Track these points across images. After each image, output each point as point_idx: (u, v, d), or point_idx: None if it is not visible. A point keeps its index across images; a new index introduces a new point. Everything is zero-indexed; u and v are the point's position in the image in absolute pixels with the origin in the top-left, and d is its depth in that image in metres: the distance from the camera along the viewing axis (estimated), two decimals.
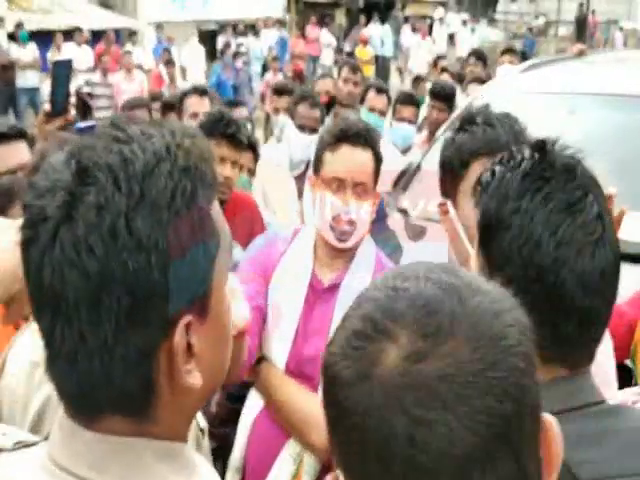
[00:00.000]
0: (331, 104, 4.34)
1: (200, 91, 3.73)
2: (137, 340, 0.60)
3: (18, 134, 2.17)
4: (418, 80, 6.84)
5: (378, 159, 1.78)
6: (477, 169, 1.37)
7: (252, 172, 3.07)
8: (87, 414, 0.64)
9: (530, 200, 0.92)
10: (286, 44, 15.25)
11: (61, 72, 2.45)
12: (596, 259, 0.91)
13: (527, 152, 0.96)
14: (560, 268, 0.89)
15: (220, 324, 0.68)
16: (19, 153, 2.15)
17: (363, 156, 1.74)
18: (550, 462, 0.56)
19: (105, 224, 0.59)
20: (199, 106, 3.51)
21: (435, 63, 6.10)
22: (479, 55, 5.42)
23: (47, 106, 2.37)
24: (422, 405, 0.51)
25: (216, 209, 0.67)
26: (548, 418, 0.57)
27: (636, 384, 1.59)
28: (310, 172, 1.87)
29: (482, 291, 0.56)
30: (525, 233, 0.90)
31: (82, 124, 2.65)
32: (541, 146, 0.96)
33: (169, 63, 9.93)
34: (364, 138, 1.74)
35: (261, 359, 1.77)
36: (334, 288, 1.77)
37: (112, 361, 0.60)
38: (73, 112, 2.71)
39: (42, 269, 0.60)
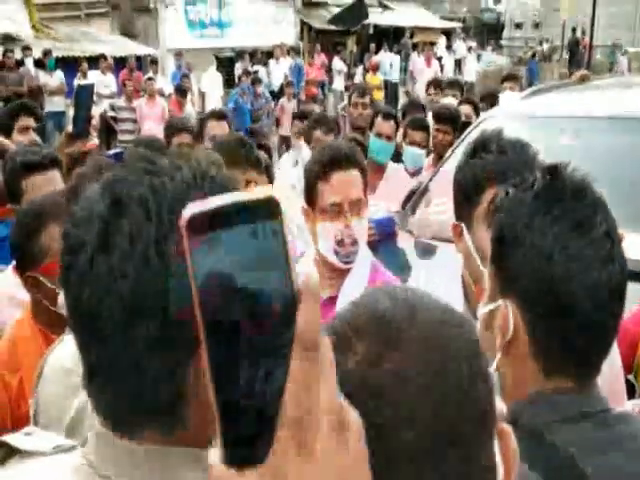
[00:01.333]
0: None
1: (218, 115, 3.85)
2: (167, 358, 0.63)
3: (52, 163, 2.23)
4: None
5: (364, 171, 1.88)
6: (491, 195, 1.42)
7: None
8: (122, 425, 0.66)
9: (542, 219, 0.96)
10: (301, 70, 15.60)
11: (83, 96, 2.51)
12: (605, 274, 0.93)
13: (539, 175, 1.01)
14: (570, 281, 0.92)
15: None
16: (53, 181, 2.23)
17: (354, 175, 1.83)
18: (507, 471, 0.58)
19: (137, 251, 0.63)
20: (218, 129, 3.63)
21: (435, 85, 6.20)
22: (437, 84, 5.44)
23: (69, 128, 2.44)
24: (376, 406, 0.53)
25: None
26: (505, 428, 0.58)
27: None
28: (302, 202, 1.92)
29: (432, 306, 0.60)
30: (537, 248, 0.94)
31: (111, 152, 2.75)
32: (553, 170, 1.01)
33: (179, 92, 10.09)
34: (351, 158, 1.83)
35: None
36: (333, 300, 1.80)
37: (145, 378, 0.63)
38: (95, 136, 2.75)
39: (80, 293, 0.64)
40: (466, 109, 5.17)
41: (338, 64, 17.02)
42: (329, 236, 1.83)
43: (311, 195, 1.86)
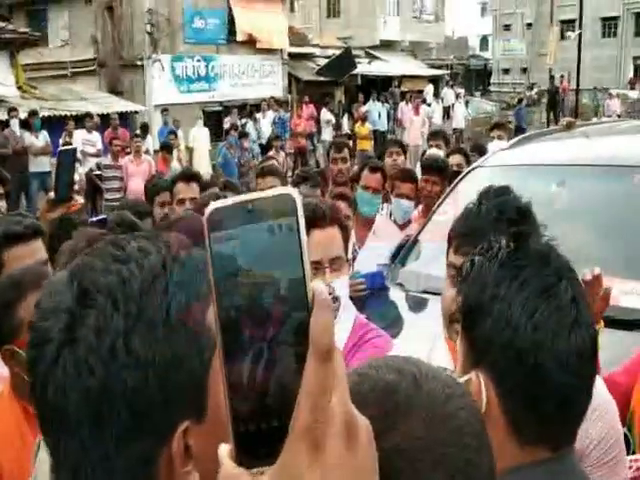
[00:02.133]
0: None
1: (187, 177, 3.80)
2: (137, 451, 0.63)
3: (34, 233, 2.17)
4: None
5: (343, 229, 1.88)
6: (452, 257, 1.51)
7: None
8: None
9: (507, 287, 0.96)
10: (285, 123, 15.70)
11: (66, 160, 2.46)
12: (572, 341, 0.94)
13: (504, 242, 1.02)
14: (538, 350, 0.93)
15: (217, 422, 0.67)
16: (35, 252, 2.16)
17: (332, 233, 1.84)
18: None
19: (104, 345, 0.62)
20: (186, 192, 3.61)
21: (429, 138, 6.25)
22: (400, 144, 5.52)
23: (51, 194, 2.38)
24: (381, 477, 0.54)
25: (212, 314, 0.72)
26: None
27: (633, 452, 1.61)
28: None
29: (436, 377, 0.62)
30: (504, 318, 0.94)
31: (94, 218, 2.66)
32: (517, 236, 1.03)
33: (165, 149, 10.08)
34: (329, 216, 1.84)
35: None
36: None
37: (114, 471, 0.63)
38: (80, 199, 2.69)
39: (46, 387, 0.63)
40: (457, 159, 5.15)
41: (326, 115, 17.16)
42: None
43: None
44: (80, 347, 0.62)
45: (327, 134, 16.61)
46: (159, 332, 0.64)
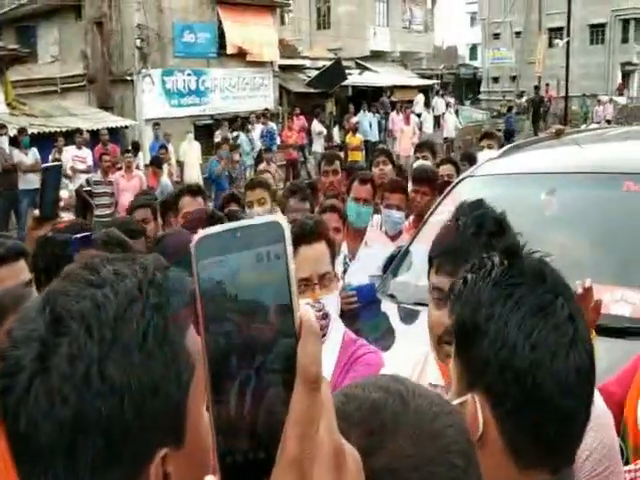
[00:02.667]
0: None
1: (193, 191, 3.82)
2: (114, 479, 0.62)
3: (17, 254, 2.13)
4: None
5: (331, 244, 1.87)
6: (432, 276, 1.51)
7: None
8: None
9: (502, 306, 0.94)
10: (273, 135, 15.69)
11: (51, 177, 2.43)
12: (570, 359, 0.92)
13: (496, 259, 1.00)
14: (536, 370, 0.91)
15: (198, 448, 0.67)
16: (18, 273, 2.12)
17: (320, 248, 1.84)
18: None
19: (78, 373, 0.60)
20: (191, 206, 3.58)
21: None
22: (388, 154, 5.56)
23: (36, 211, 2.36)
24: None
25: (192, 337, 0.68)
26: None
27: (627, 462, 1.59)
28: None
29: (423, 395, 0.62)
30: (501, 338, 0.92)
31: (79, 235, 2.61)
32: (510, 252, 1.01)
33: (155, 163, 10.06)
34: (317, 232, 1.84)
35: None
36: None
37: None
38: (66, 216, 2.67)
39: (18, 418, 0.61)
40: (447, 169, 5.16)
41: (317, 127, 17.20)
42: None
43: None
44: (53, 376, 0.60)
45: (318, 146, 16.64)
46: (135, 357, 0.62)
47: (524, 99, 25.27)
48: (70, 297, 0.64)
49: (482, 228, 1.48)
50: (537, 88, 24.20)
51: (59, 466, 0.61)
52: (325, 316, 1.80)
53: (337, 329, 1.88)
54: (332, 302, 1.84)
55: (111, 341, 0.62)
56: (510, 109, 22.14)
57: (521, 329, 0.92)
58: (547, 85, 25.72)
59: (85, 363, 0.61)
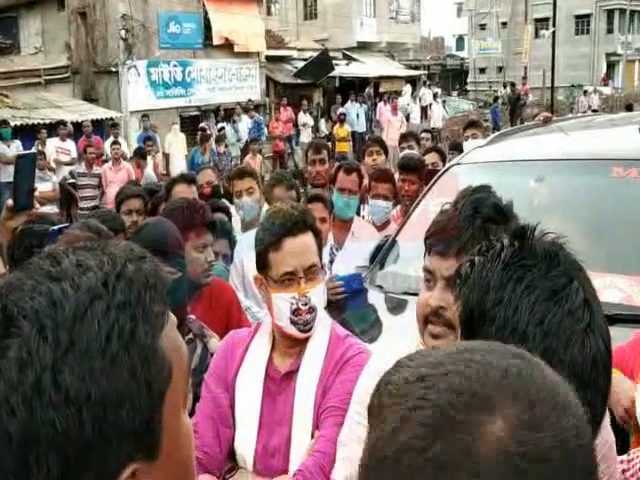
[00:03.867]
0: (215, 194, 4.39)
1: (187, 179, 3.82)
2: None
3: None
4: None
5: (317, 235, 1.80)
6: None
7: (228, 258, 3.09)
8: None
9: (512, 290, 0.88)
10: (260, 126, 15.60)
11: (25, 166, 2.31)
12: (586, 348, 0.87)
13: (506, 241, 0.95)
14: (549, 360, 0.85)
15: (176, 456, 0.62)
16: None
17: (306, 240, 1.75)
18: None
19: (28, 381, 0.54)
20: (187, 193, 3.55)
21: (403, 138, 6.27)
22: (381, 143, 5.48)
23: (10, 202, 2.24)
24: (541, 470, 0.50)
25: (167, 336, 0.61)
26: None
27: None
28: (254, 271, 1.85)
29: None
30: (510, 325, 0.87)
31: (55, 227, 2.44)
32: (520, 233, 0.95)
33: (139, 155, 10.01)
34: (302, 223, 1.76)
35: (232, 469, 1.76)
36: (291, 375, 1.76)
37: None
38: (47, 208, 2.58)
39: None
40: (432, 157, 5.15)
41: (303, 118, 17.12)
42: (284, 306, 1.74)
43: (263, 264, 1.77)
44: (0, 384, 0.54)
45: (305, 137, 16.56)
46: (95, 364, 0.55)
47: (508, 89, 25.17)
48: (24, 292, 0.57)
49: (478, 212, 1.43)
50: (513, 85, 23.96)
51: None
52: (311, 310, 1.73)
53: (324, 324, 1.82)
54: (318, 295, 1.77)
55: (68, 345, 0.55)
56: (496, 99, 22.17)
57: (532, 315, 0.86)
58: (524, 79, 25.48)
59: (36, 369, 0.54)
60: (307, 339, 1.77)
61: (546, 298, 0.87)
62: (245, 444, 1.72)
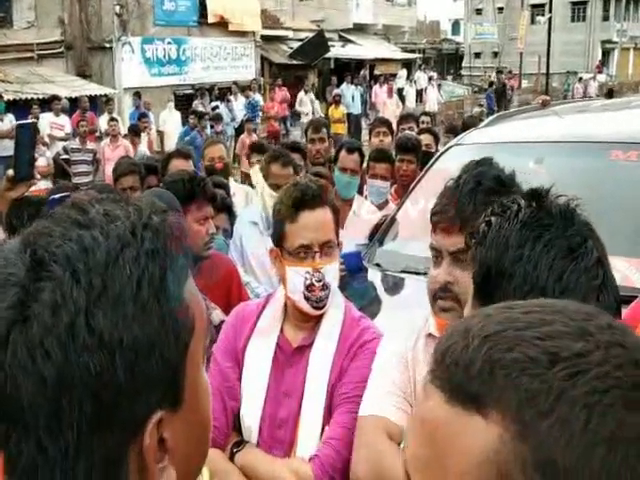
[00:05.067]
0: (225, 170, 4.40)
1: (184, 154, 3.84)
2: (103, 446, 0.55)
3: None
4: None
5: (335, 212, 1.77)
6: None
7: (228, 233, 3.10)
8: None
9: (532, 248, 0.91)
10: (255, 107, 15.52)
11: (25, 136, 2.27)
12: (600, 304, 0.89)
13: (522, 202, 0.97)
14: None
15: (197, 409, 0.63)
16: None
17: (323, 215, 1.72)
18: None
19: (62, 324, 0.54)
20: (184, 168, 3.52)
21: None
22: (388, 124, 5.49)
23: (10, 172, 2.22)
24: None
25: (190, 289, 0.62)
26: None
27: None
28: (270, 244, 1.83)
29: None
30: (530, 281, 0.89)
31: (56, 195, 2.44)
32: (536, 195, 0.98)
33: (133, 132, 9.99)
34: (319, 197, 1.72)
35: (240, 442, 1.74)
36: (304, 349, 1.75)
37: (76, 471, 0.55)
38: (39, 179, 2.56)
39: None
40: (427, 139, 5.20)
41: (304, 97, 17.03)
42: (298, 281, 1.71)
43: (279, 237, 1.75)
44: (33, 326, 0.53)
45: (305, 117, 16.49)
46: (128, 309, 0.55)
47: (503, 75, 25.00)
48: (54, 238, 0.56)
49: (480, 185, 1.44)
50: (500, 73, 23.55)
51: (42, 429, 0.54)
52: (325, 287, 1.69)
53: (338, 302, 1.79)
54: (332, 272, 1.72)
55: (100, 289, 0.54)
56: (491, 84, 22.12)
57: (552, 271, 0.89)
58: (510, 73, 24.89)
59: (71, 312, 0.53)
60: (321, 315, 1.75)
61: (563, 256, 0.91)
62: (251, 413, 1.73)
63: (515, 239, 0.92)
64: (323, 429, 1.68)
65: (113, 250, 0.56)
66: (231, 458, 1.70)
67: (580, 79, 24.66)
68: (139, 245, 0.57)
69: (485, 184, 1.44)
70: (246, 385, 1.75)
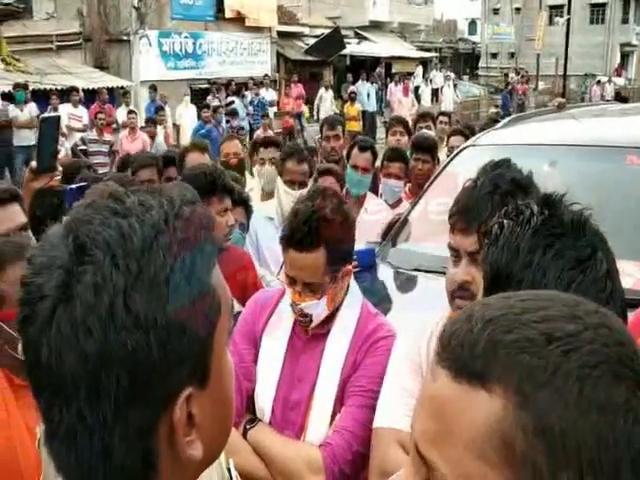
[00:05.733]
0: (240, 165, 4.41)
1: (200, 147, 3.84)
2: (137, 417, 0.60)
3: (11, 197, 2.16)
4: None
5: (330, 251, 1.69)
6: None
7: (244, 226, 3.12)
8: None
9: (542, 255, 0.92)
10: (265, 105, 15.48)
11: (48, 128, 2.34)
12: None
13: (535, 207, 0.99)
14: None
15: (222, 388, 0.67)
16: (13, 216, 2.14)
17: (309, 259, 1.68)
18: None
19: (103, 304, 0.58)
20: (201, 161, 3.54)
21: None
22: (405, 124, 5.45)
23: (34, 163, 2.29)
24: None
25: (217, 275, 0.67)
26: None
27: None
28: (267, 242, 1.86)
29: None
30: (538, 288, 0.89)
31: (73, 185, 2.49)
32: (550, 201, 0.99)
33: (150, 122, 10.06)
34: (309, 241, 1.67)
35: (253, 420, 1.79)
36: (319, 337, 1.79)
37: (111, 439, 0.60)
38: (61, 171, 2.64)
39: (40, 349, 0.59)
40: (458, 140, 5.11)
41: (324, 94, 17.03)
42: (288, 299, 1.80)
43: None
44: (76, 306, 0.58)
45: (323, 112, 16.48)
46: (161, 292, 0.60)
47: (520, 76, 24.81)
48: (94, 225, 0.61)
49: (497, 188, 1.45)
50: (506, 76, 23.10)
51: (82, 400, 0.59)
52: (304, 315, 1.74)
53: (355, 301, 1.81)
54: (313, 309, 1.73)
55: (137, 273, 0.59)
56: (507, 85, 22.02)
57: (560, 280, 0.91)
58: (522, 77, 24.24)
59: (110, 294, 0.58)
60: (337, 308, 1.79)
61: (572, 266, 0.92)
62: (265, 394, 1.78)
63: (526, 245, 0.94)
64: (333, 416, 1.71)
65: (148, 237, 0.60)
66: (244, 435, 1.75)
67: (598, 82, 24.48)
68: (172, 233, 0.61)
69: (502, 187, 1.45)
70: (261, 367, 1.80)
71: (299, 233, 1.68)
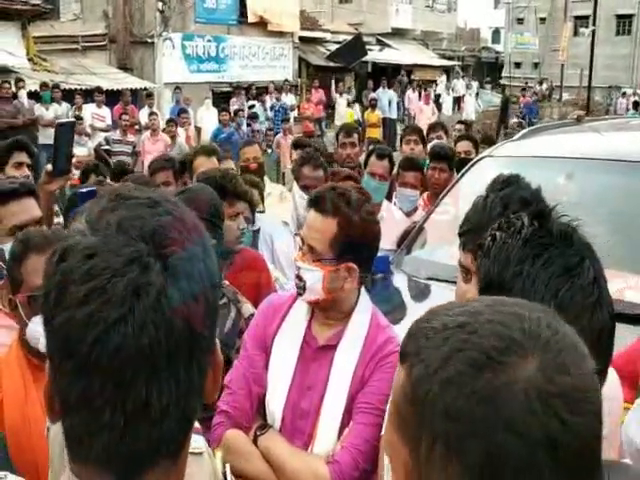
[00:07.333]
0: (259, 170, 4.46)
1: (207, 151, 3.85)
2: (202, 362, 0.70)
3: (27, 191, 2.27)
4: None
5: (344, 227, 1.73)
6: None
7: (249, 220, 3.09)
8: (132, 469, 0.67)
9: (532, 264, 0.96)
10: (286, 110, 15.51)
11: (64, 133, 2.42)
12: (594, 321, 0.95)
13: (526, 219, 1.03)
14: None
15: (217, 359, 0.77)
16: (29, 209, 2.26)
17: (322, 223, 1.74)
18: None
19: (196, 269, 0.68)
20: (208, 165, 3.59)
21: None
22: (420, 133, 5.43)
23: (49, 166, 2.38)
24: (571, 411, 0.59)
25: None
26: None
27: None
28: (284, 247, 1.90)
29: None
30: (527, 296, 0.91)
31: (84, 189, 2.58)
32: (539, 214, 1.04)
33: (172, 122, 10.23)
34: (330, 205, 1.74)
35: (264, 426, 1.82)
36: (329, 348, 1.80)
37: (198, 379, 0.70)
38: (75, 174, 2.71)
39: (145, 326, 0.64)
40: (465, 145, 5.16)
41: (339, 99, 17.07)
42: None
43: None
44: (180, 279, 0.66)
45: (338, 119, 16.56)
46: (217, 280, 0.72)
47: (544, 86, 24.74)
48: (147, 219, 0.68)
49: (507, 209, 1.44)
50: (504, 88, 22.66)
51: (180, 368, 0.66)
52: (299, 278, 1.77)
53: (365, 308, 1.83)
54: (311, 275, 1.76)
55: (202, 244, 0.70)
56: (534, 94, 21.81)
57: (548, 288, 0.94)
58: (523, 90, 24.01)
59: (197, 261, 0.68)
60: (347, 317, 1.81)
61: (560, 274, 0.96)
62: (275, 402, 1.80)
63: (517, 255, 0.98)
64: (342, 426, 1.73)
65: (198, 224, 0.73)
66: (254, 440, 1.78)
67: (624, 94, 24.23)
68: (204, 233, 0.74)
69: (512, 208, 1.44)
70: (272, 374, 1.82)
71: (322, 194, 1.78)
